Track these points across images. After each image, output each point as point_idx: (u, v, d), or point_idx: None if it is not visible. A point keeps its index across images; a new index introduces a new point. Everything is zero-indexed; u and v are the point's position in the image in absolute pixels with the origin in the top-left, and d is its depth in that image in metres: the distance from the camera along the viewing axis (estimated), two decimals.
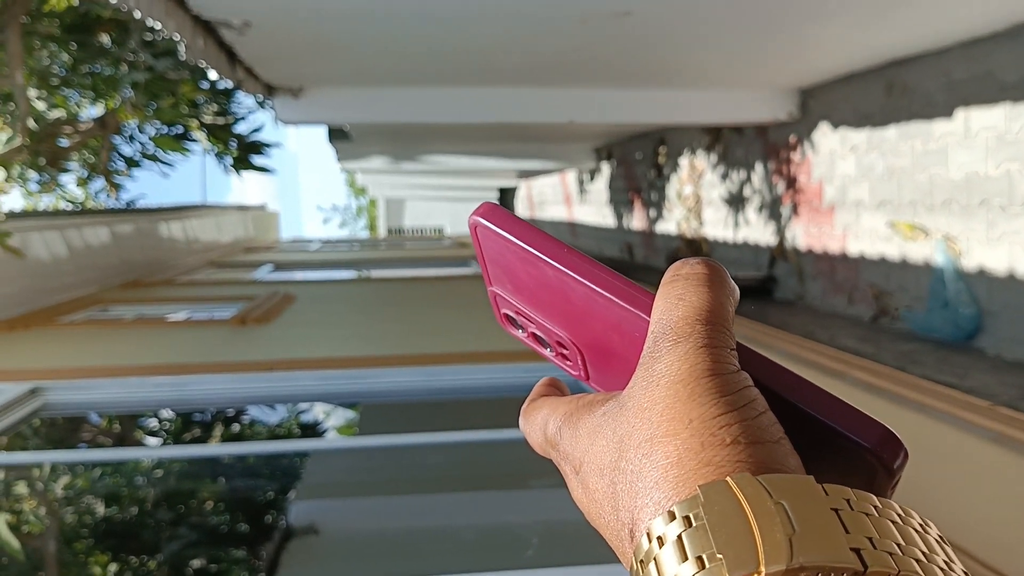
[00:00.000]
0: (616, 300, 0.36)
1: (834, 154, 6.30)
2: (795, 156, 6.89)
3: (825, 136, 6.42)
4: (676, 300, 0.32)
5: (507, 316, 0.45)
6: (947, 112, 4.99)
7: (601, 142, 12.50)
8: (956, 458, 2.03)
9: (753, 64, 5.79)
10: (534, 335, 0.44)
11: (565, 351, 0.42)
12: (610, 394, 0.35)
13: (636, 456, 0.29)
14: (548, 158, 13.30)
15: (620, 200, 12.14)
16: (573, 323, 0.40)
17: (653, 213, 10.63)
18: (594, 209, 13.73)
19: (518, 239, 0.39)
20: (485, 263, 0.43)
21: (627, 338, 0.36)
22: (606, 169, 12.94)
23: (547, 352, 0.44)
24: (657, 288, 0.35)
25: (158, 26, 3.83)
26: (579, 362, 0.42)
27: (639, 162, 11.19)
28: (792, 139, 6.92)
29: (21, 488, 2.71)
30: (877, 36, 4.85)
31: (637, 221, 11.33)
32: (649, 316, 0.34)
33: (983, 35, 4.65)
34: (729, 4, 4.17)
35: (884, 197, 5.67)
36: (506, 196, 22.85)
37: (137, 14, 3.55)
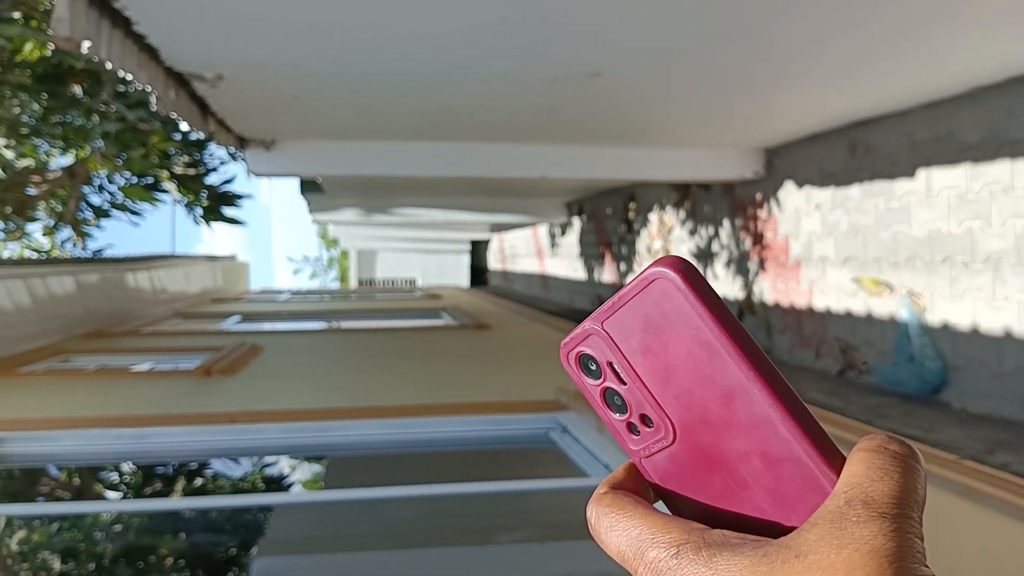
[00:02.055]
0: (805, 444, 0.34)
1: (799, 211, 6.41)
2: (761, 213, 7.00)
3: (790, 194, 6.54)
4: (883, 473, 0.32)
5: (585, 356, 0.40)
6: (909, 171, 5.11)
7: (572, 197, 12.63)
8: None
9: (720, 124, 5.91)
10: (609, 391, 0.40)
11: (648, 429, 0.39)
12: (755, 538, 0.33)
13: None
14: (520, 212, 13.41)
15: (591, 254, 12.23)
16: (698, 419, 0.37)
17: (623, 267, 10.71)
18: (565, 262, 13.81)
19: (711, 320, 0.35)
20: (621, 305, 0.38)
21: (776, 472, 0.35)
22: (577, 223, 13.05)
23: (612, 414, 0.40)
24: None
25: (130, 78, 3.83)
26: (654, 447, 0.39)
27: (609, 217, 11.31)
28: (758, 196, 7.04)
29: None
30: (840, 98, 4.98)
31: (608, 274, 11.40)
32: (831, 471, 0.33)
33: (944, 97, 4.79)
34: (696, 68, 4.26)
35: (849, 253, 5.76)
36: (478, 248, 22.93)
37: (109, 66, 3.56)
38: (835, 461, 0.34)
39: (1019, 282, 4.29)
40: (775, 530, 0.34)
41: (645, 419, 0.38)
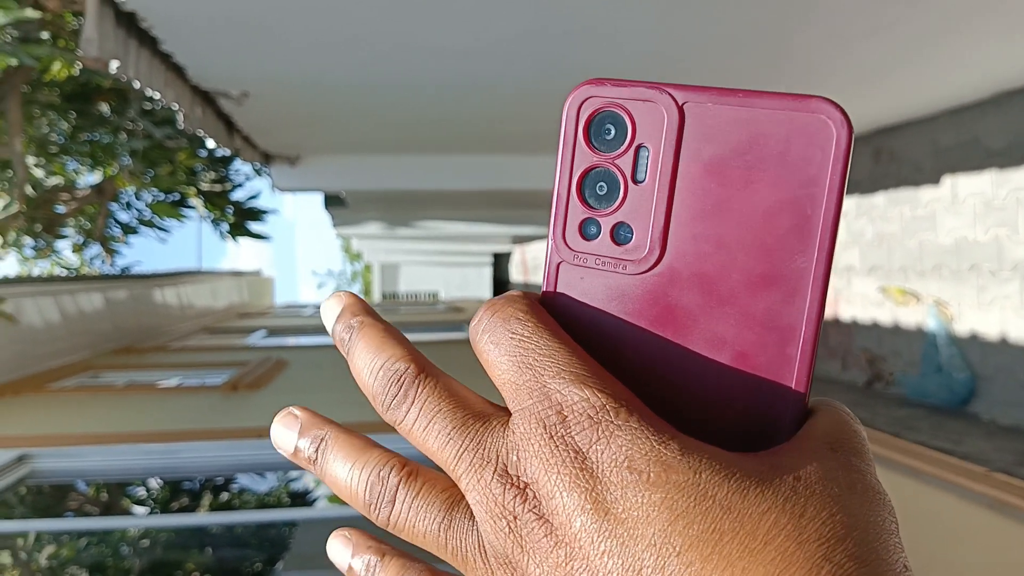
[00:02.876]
0: (802, 376, 0.27)
1: None
2: None
3: None
4: (859, 437, 0.28)
5: (609, 117, 0.30)
6: (935, 179, 5.06)
7: None
8: (951, 524, 2.01)
9: None
10: (601, 173, 0.30)
11: (614, 244, 0.29)
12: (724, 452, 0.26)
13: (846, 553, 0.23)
14: (542, 224, 13.41)
15: None
16: (699, 275, 0.28)
17: None
18: None
19: (836, 200, 0.27)
20: (734, 104, 0.28)
21: (741, 380, 0.28)
22: None
23: (579, 200, 0.30)
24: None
25: (157, 96, 3.89)
26: (603, 264, 0.29)
27: None
28: None
29: (4, 558, 2.66)
30: (863, 105, 4.95)
31: None
32: (798, 416, 0.28)
33: (969, 103, 4.74)
34: (719, 74, 4.26)
35: (875, 262, 5.71)
36: (500, 261, 22.96)
37: (136, 84, 3.61)
38: (806, 408, 0.28)
39: None
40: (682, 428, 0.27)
41: (620, 229, 0.29)
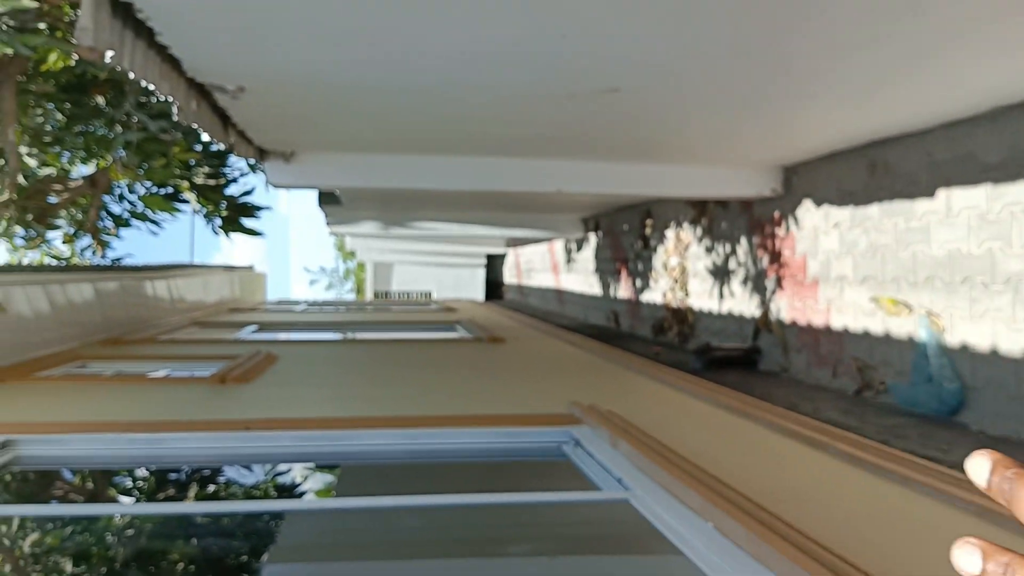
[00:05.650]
0: None
1: (818, 230, 6.38)
2: (779, 231, 6.97)
3: (809, 212, 6.51)
4: None
5: None
6: (929, 191, 5.08)
7: (588, 213, 12.63)
8: (939, 532, 2.01)
9: (738, 142, 5.89)
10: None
11: None
12: None
13: None
14: (536, 227, 13.42)
15: (607, 269, 12.21)
16: None
17: (639, 283, 10.69)
18: (581, 278, 13.79)
19: None
20: None
21: None
22: (593, 239, 13.05)
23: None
24: None
25: (153, 88, 3.87)
26: None
27: (626, 233, 11.30)
28: (776, 214, 7.01)
29: None
30: (859, 117, 4.96)
31: (623, 290, 11.38)
32: None
33: (964, 117, 4.76)
34: (714, 84, 4.26)
35: (867, 273, 5.72)
36: (494, 263, 22.96)
37: (131, 75, 3.59)
38: None
39: None
40: None
41: None
